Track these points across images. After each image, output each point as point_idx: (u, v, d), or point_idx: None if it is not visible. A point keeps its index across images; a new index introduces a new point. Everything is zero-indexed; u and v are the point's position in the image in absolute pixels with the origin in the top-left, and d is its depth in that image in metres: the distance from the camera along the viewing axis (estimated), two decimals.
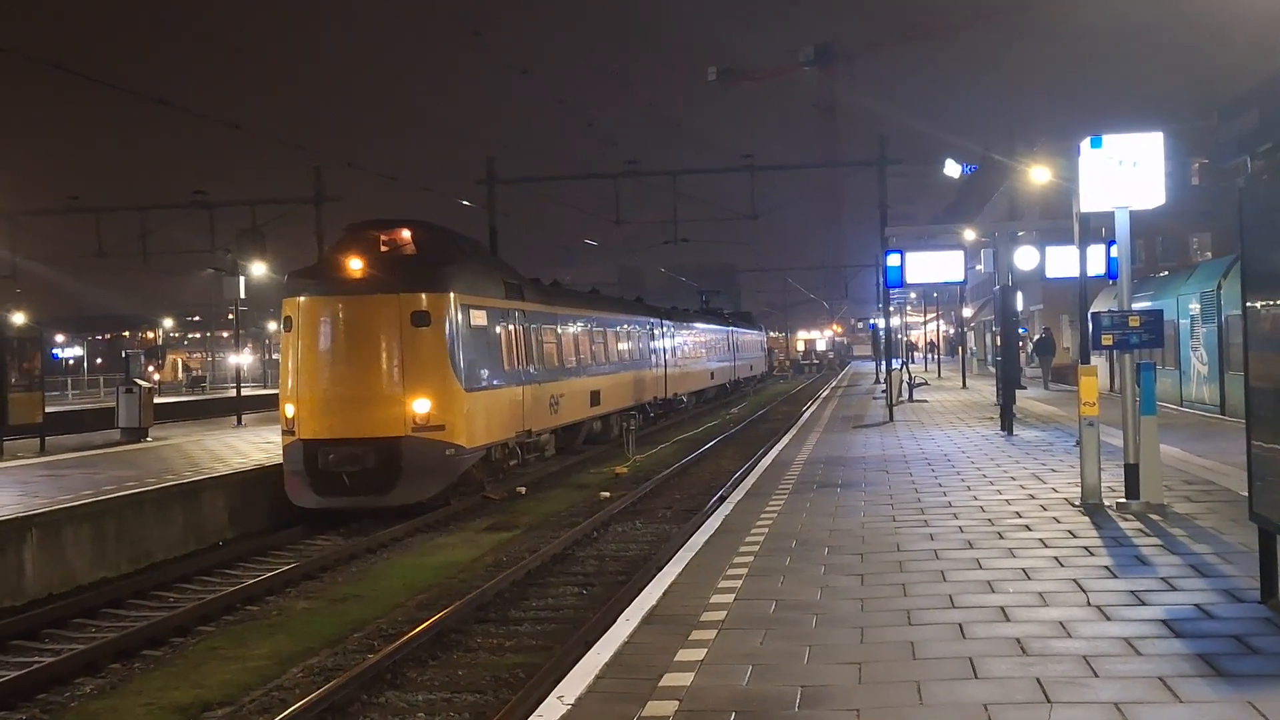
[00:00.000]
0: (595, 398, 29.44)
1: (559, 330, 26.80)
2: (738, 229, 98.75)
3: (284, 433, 19.85)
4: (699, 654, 7.60)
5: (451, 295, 20.11)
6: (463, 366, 20.04)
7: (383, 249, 20.93)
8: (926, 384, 42.55)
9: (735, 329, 61.18)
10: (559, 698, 6.90)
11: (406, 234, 21.17)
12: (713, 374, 51.53)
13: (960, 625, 7.95)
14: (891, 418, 28.25)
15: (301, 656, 11.47)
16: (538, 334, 24.78)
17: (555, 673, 9.04)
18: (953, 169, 37.59)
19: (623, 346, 33.91)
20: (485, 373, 21.09)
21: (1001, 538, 11.18)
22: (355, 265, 19.78)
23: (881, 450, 20.72)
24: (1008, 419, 23.27)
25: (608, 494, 22.41)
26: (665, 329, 40.89)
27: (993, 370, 43.88)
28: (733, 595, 9.27)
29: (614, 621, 8.88)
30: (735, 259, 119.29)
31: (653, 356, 38.30)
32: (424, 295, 19.71)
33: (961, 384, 45.55)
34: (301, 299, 19.95)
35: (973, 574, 9.58)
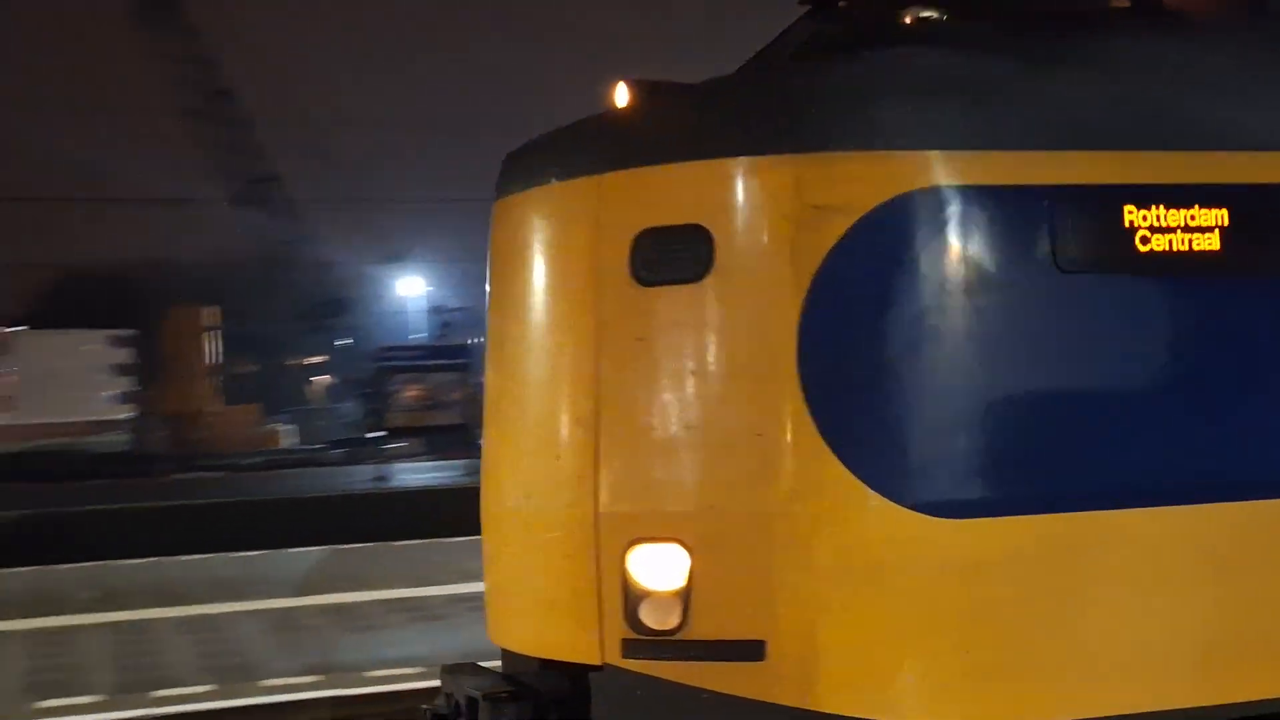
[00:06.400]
0: None
1: None
2: None
3: None
4: None
5: (899, 159, 4.81)
6: (933, 411, 4.79)
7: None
8: None
9: None
10: None
11: None
12: None
13: None
14: None
15: None
16: None
17: None
18: None
19: None
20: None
21: None
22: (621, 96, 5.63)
23: None
24: None
25: None
26: None
27: None
28: None
29: None
30: None
31: None
32: (718, 164, 4.91)
33: None
34: (497, 204, 5.94)
35: None
